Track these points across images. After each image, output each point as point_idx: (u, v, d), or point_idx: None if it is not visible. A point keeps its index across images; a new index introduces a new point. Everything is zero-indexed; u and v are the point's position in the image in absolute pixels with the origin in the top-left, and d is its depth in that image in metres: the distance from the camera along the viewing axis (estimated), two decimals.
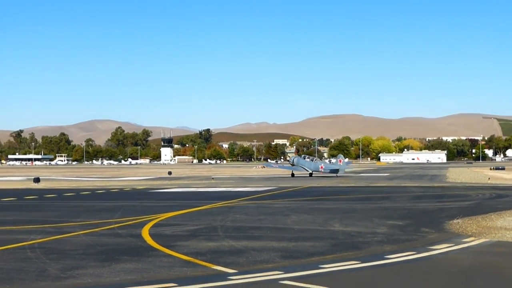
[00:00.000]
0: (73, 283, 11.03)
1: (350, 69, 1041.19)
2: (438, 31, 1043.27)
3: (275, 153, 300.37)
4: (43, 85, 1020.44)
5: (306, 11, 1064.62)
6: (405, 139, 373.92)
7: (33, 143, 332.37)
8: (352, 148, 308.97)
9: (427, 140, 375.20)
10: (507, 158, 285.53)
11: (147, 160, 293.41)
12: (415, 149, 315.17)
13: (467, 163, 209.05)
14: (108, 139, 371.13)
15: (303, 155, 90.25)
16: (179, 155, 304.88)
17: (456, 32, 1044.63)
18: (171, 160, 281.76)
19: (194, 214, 24.17)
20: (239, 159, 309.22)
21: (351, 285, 10.47)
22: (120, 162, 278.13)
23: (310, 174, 72.54)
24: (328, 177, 67.63)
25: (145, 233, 18.06)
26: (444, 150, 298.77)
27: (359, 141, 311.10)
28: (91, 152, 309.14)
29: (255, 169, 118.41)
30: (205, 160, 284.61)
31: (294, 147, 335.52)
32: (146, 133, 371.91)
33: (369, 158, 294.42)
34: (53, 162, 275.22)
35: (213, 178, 69.33)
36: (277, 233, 17.95)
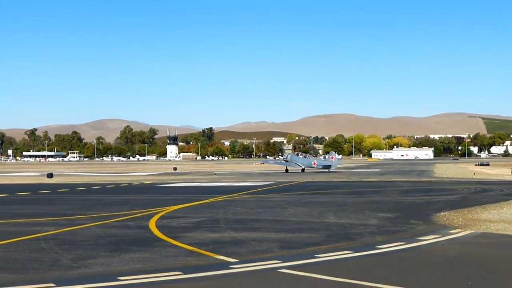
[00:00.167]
0: (84, 272, 11.03)
1: (343, 72, 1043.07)
2: (425, 37, 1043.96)
3: (273, 150, 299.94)
4: (57, 86, 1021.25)
5: (303, 20, 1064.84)
6: (394, 137, 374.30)
7: (46, 141, 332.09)
8: (345, 146, 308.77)
9: (415, 137, 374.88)
10: (491, 154, 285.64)
11: (154, 157, 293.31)
12: (404, 146, 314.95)
13: (453, 159, 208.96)
14: (118, 137, 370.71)
15: (296, 152, 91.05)
16: (183, 152, 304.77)
17: (443, 37, 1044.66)
18: (176, 157, 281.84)
19: (197, 207, 24.17)
20: (240, 156, 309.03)
21: (345, 273, 10.46)
22: (129, 158, 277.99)
23: (303, 170, 72.78)
24: (321, 173, 67.68)
25: (152, 225, 18.06)
26: (431, 147, 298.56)
27: (352, 139, 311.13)
28: (101, 149, 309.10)
29: (254, 165, 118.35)
30: (208, 156, 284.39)
31: (291, 144, 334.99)
32: (153, 131, 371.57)
33: (361, 155, 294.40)
34: (65, 159, 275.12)
35: (215, 174, 69.37)
36: (275, 225, 17.96)
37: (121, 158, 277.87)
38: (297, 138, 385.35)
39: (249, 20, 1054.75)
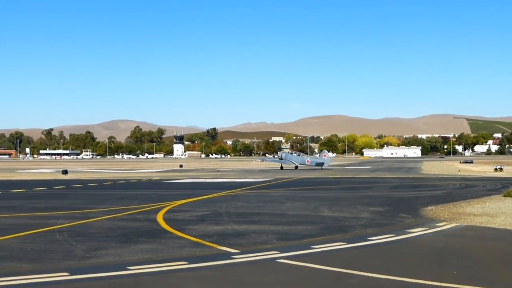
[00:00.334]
0: (96, 262, 11.02)
1: (337, 76, 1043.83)
2: (414, 45, 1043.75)
3: (272, 149, 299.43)
4: (72, 89, 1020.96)
5: (299, 30, 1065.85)
6: (385, 136, 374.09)
7: (62, 140, 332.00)
8: (339, 145, 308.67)
9: (404, 137, 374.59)
10: (475, 153, 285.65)
11: (162, 155, 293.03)
12: (394, 145, 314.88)
13: (440, 157, 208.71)
14: (128, 137, 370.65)
15: (290, 151, 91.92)
16: (189, 151, 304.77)
17: (430, 44, 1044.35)
18: (182, 155, 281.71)
19: (202, 202, 24.16)
20: (241, 154, 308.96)
21: (339, 263, 10.45)
22: (138, 156, 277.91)
23: (296, 167, 73.06)
24: (315, 170, 67.68)
25: (159, 218, 18.05)
26: (419, 146, 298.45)
27: (345, 138, 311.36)
28: (113, 148, 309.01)
29: (255, 163, 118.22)
30: (212, 155, 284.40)
31: (289, 143, 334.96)
32: (161, 131, 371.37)
33: (354, 153, 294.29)
34: (79, 157, 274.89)
35: (218, 171, 69.31)
36: (274, 218, 17.95)
37: (131, 156, 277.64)
38: (294, 137, 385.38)
39: (250, 31, 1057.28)
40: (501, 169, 60.26)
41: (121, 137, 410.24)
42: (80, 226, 16.25)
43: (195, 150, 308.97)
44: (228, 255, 11.51)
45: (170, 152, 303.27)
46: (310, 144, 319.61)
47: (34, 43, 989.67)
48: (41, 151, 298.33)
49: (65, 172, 59.56)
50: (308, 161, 75.61)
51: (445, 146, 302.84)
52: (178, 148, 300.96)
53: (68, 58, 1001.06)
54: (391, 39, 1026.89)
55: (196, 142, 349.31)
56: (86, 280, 9.47)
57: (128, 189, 34.57)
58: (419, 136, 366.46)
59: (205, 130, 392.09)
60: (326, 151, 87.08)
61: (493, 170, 60.01)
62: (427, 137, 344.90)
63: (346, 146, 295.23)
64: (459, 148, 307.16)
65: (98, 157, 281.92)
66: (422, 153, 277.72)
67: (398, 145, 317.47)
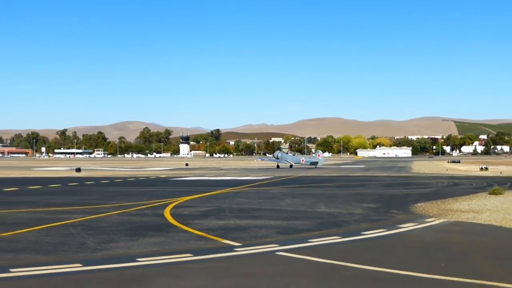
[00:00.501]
0: (107, 254, 11.02)
1: (333, 81, 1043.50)
2: (404, 52, 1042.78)
3: (272, 149, 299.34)
4: (84, 92, 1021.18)
5: (297, 36, 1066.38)
6: (377, 137, 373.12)
7: (75, 140, 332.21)
8: (335, 145, 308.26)
9: (395, 138, 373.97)
10: (462, 153, 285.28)
11: (169, 154, 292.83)
12: (386, 146, 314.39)
13: (429, 157, 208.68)
14: (137, 137, 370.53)
15: (288, 151, 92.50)
16: (194, 150, 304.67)
17: (420, 51, 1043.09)
18: (188, 154, 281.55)
19: (206, 198, 24.15)
20: (243, 153, 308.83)
21: (334, 256, 10.44)
22: (147, 155, 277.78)
23: (291, 166, 73.20)
24: (310, 168, 67.65)
25: (166, 213, 18.05)
26: (409, 146, 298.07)
27: (340, 139, 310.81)
28: (123, 148, 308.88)
29: (255, 162, 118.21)
30: (216, 154, 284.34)
31: (288, 144, 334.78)
32: (168, 132, 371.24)
33: (348, 153, 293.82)
34: (91, 156, 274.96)
35: (222, 169, 69.30)
36: (273, 214, 17.94)
37: (140, 155, 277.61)
38: (293, 138, 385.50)
39: (251, 37, 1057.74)
40: (486, 169, 60.19)
41: (131, 138, 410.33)
42: (92, 221, 16.25)
43: (200, 150, 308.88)
44: (231, 248, 11.51)
45: (177, 151, 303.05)
46: (308, 144, 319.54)
47: (52, 49, 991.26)
48: (56, 150, 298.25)
49: (78, 170, 59.58)
50: (303, 160, 76.07)
51: (434, 147, 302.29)
52: (184, 148, 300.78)
53: (82, 64, 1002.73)
54: (384, 47, 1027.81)
55: (201, 142, 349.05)
56: (97, 271, 9.48)
57: (137, 186, 34.55)
58: (410, 137, 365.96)
59: (209, 131, 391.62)
60: (320, 151, 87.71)
61: (479, 170, 59.94)
62: (417, 138, 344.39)
63: (341, 147, 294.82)
64: (447, 148, 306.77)
65: (109, 156, 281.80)
66: (412, 153, 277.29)
67: (390, 146, 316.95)
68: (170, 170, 68.96)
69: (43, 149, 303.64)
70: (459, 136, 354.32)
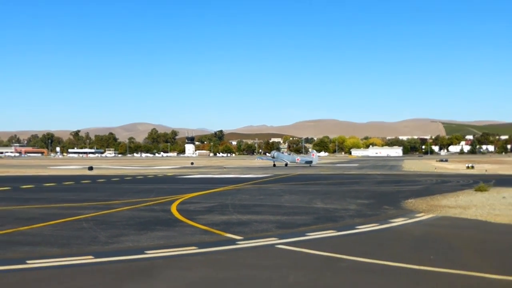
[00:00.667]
0: (117, 247, 11.02)
1: (329, 85, 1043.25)
2: (395, 57, 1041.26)
3: (272, 149, 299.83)
4: (96, 95, 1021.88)
5: (295, 43, 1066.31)
6: (370, 138, 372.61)
7: (88, 140, 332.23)
8: (330, 145, 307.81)
9: (387, 138, 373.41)
10: (449, 152, 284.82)
11: (175, 154, 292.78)
12: (378, 146, 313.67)
13: (419, 156, 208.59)
14: (146, 137, 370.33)
15: (281, 151, 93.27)
16: (199, 150, 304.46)
17: (409, 56, 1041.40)
18: (193, 154, 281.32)
19: (210, 195, 24.14)
20: (245, 153, 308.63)
21: (330, 249, 10.43)
22: (154, 155, 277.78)
23: (286, 164, 73.37)
24: (305, 167, 67.63)
25: (173, 209, 18.04)
26: (400, 146, 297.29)
27: (336, 140, 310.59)
28: (132, 147, 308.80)
29: (256, 161, 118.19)
30: (219, 154, 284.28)
31: (287, 144, 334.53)
32: (174, 133, 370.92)
33: (343, 153, 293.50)
34: (103, 155, 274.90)
35: (225, 168, 69.30)
36: (273, 209, 17.92)
37: (148, 154, 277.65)
38: (291, 138, 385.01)
39: (252, 45, 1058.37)
40: (472, 167, 60.15)
41: (140, 138, 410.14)
42: (104, 216, 16.25)
43: (205, 150, 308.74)
44: (233, 241, 11.50)
45: (183, 151, 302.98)
46: (305, 144, 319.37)
47: (67, 57, 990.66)
48: (69, 150, 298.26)
49: (90, 168, 59.60)
50: (298, 159, 76.72)
51: (423, 147, 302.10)
52: (189, 148, 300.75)
53: (94, 70, 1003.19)
54: (377, 54, 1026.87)
55: (205, 142, 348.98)
56: (108, 262, 9.48)
57: (145, 183, 34.55)
58: (400, 137, 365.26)
59: (213, 132, 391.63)
60: (314, 151, 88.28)
61: (465, 168, 59.89)
62: (407, 139, 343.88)
63: (336, 146, 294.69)
64: (436, 148, 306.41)
65: (119, 155, 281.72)
66: (403, 153, 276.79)
67: (382, 146, 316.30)
68: (177, 168, 68.96)
69: (58, 149, 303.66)
70: (447, 137, 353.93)
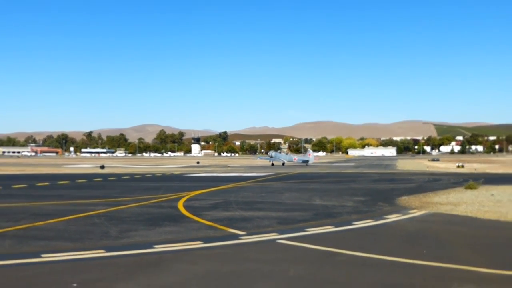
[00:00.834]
0: (127, 241, 11.00)
1: (327, 88, 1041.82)
2: (390, 62, 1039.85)
3: (273, 149, 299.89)
4: (108, 98, 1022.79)
5: (294, 48, 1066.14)
6: (366, 138, 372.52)
7: (100, 141, 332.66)
8: (328, 145, 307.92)
9: (382, 139, 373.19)
10: (440, 152, 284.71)
11: (182, 153, 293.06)
12: (373, 146, 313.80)
13: (411, 156, 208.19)
14: (154, 138, 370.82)
15: (279, 151, 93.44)
16: (204, 150, 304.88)
17: (402, 61, 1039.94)
18: (199, 153, 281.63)
19: (215, 192, 24.12)
20: (247, 153, 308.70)
21: (328, 243, 10.40)
22: (162, 154, 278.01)
23: (283, 164, 73.30)
24: (303, 166, 67.56)
25: (180, 205, 18.03)
26: (394, 146, 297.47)
27: (333, 140, 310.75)
28: (142, 147, 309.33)
29: (258, 160, 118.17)
30: (223, 153, 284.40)
31: (287, 144, 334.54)
32: (181, 133, 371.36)
33: (340, 152, 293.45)
34: (114, 154, 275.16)
35: (228, 166, 69.28)
36: (274, 206, 17.89)
37: (156, 154, 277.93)
38: (291, 139, 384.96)
39: (254, 52, 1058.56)
40: (462, 166, 60.02)
41: (149, 139, 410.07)
42: (114, 212, 16.24)
43: (210, 150, 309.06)
44: (236, 236, 11.48)
45: (189, 151, 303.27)
46: (304, 145, 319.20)
47: (81, 61, 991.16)
48: (82, 150, 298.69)
49: (102, 167, 59.64)
50: (295, 159, 76.86)
51: (416, 147, 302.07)
52: (195, 148, 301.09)
53: (106, 74, 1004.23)
54: (372, 60, 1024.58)
55: (210, 142, 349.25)
56: (119, 256, 9.46)
57: (154, 181, 34.56)
58: (394, 138, 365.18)
59: (218, 133, 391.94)
60: (311, 151, 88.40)
61: (456, 167, 59.76)
62: (401, 139, 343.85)
63: (334, 147, 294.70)
64: (428, 148, 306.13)
65: (129, 155, 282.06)
66: (397, 153, 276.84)
67: (377, 146, 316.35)
68: (183, 167, 68.98)
69: (72, 148, 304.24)
70: (438, 137, 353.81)
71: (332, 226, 12.90)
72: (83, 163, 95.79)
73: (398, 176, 39.87)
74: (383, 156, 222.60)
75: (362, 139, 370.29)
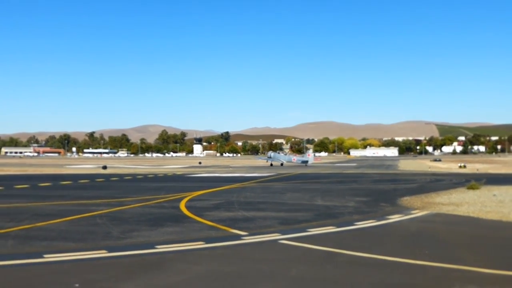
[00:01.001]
0: (129, 241, 11.01)
1: (329, 89, 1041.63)
2: (392, 62, 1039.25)
3: (275, 149, 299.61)
4: (110, 99, 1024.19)
5: (295, 50, 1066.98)
6: (368, 139, 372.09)
7: (102, 141, 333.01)
8: (330, 146, 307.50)
9: (384, 139, 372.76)
10: (442, 153, 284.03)
11: (184, 154, 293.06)
12: (375, 146, 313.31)
13: (413, 156, 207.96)
14: (156, 138, 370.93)
15: (278, 151, 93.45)
16: (206, 150, 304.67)
17: (404, 61, 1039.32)
18: (201, 154, 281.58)
19: (217, 193, 24.12)
20: (249, 153, 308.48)
21: (330, 244, 10.39)
22: (164, 155, 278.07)
23: (281, 164, 73.37)
24: (302, 166, 67.52)
25: (182, 205, 18.03)
26: (396, 147, 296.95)
27: (335, 141, 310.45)
28: (144, 148, 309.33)
29: (259, 161, 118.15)
30: (225, 154, 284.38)
31: (289, 144, 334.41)
32: (183, 134, 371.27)
33: (342, 153, 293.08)
34: (116, 155, 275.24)
35: (230, 167, 69.27)
36: (276, 206, 17.89)
37: (158, 154, 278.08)
38: (293, 140, 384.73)
39: (256, 53, 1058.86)
40: (464, 166, 59.93)
41: (151, 139, 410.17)
42: (117, 212, 16.25)
43: (212, 150, 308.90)
44: (238, 237, 11.47)
45: (191, 151, 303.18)
46: (306, 145, 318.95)
47: (83, 63, 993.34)
48: (85, 150, 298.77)
49: (104, 167, 59.72)
50: (294, 159, 77.04)
51: (418, 147, 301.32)
52: (197, 148, 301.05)
53: (108, 75, 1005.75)
54: (374, 61, 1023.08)
55: (212, 143, 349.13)
56: (121, 257, 9.46)
57: (156, 181, 34.58)
58: (396, 138, 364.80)
59: (220, 133, 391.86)
60: (310, 151, 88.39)
61: (458, 167, 59.68)
62: (403, 140, 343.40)
63: (336, 147, 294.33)
64: (430, 148, 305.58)
65: (131, 155, 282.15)
66: (399, 153, 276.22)
67: (379, 146, 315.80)
68: (185, 167, 69.00)
69: (74, 149, 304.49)
70: (440, 138, 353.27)
71: (333, 227, 12.88)
72: (85, 163, 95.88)
73: (400, 177, 39.82)
74: (385, 156, 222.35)
75: (364, 139, 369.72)
